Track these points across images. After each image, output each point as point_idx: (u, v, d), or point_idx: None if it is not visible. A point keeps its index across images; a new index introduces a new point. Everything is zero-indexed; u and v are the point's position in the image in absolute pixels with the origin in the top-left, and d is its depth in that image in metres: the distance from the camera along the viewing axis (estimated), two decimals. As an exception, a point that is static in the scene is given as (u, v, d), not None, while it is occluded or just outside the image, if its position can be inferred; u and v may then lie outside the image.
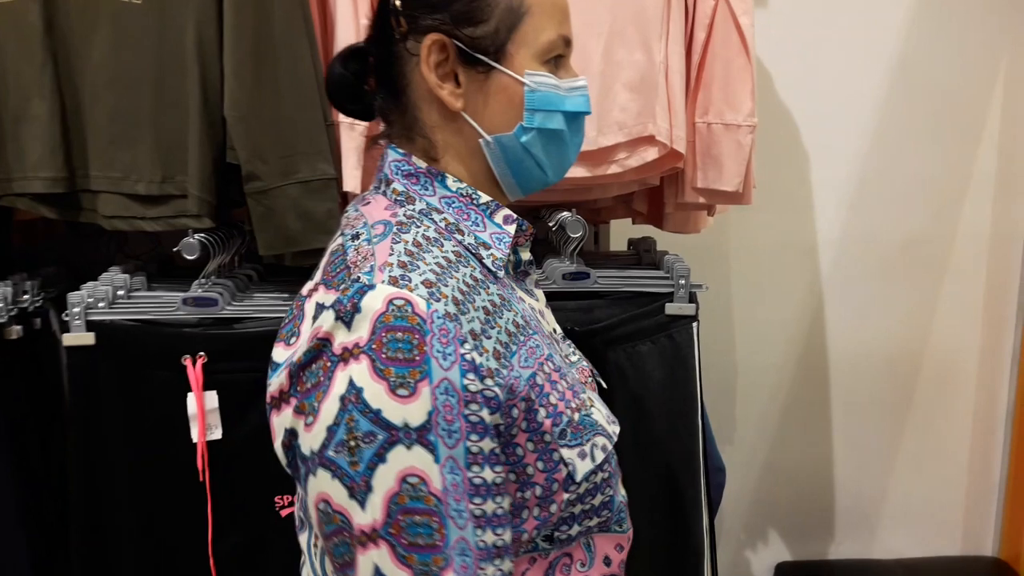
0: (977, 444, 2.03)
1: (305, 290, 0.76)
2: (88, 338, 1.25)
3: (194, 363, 1.25)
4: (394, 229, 0.75)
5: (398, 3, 0.78)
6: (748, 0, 1.25)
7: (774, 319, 1.94)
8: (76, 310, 1.26)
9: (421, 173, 0.80)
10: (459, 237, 0.79)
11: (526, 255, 0.87)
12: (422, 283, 0.69)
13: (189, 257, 1.27)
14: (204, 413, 1.25)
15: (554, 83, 0.79)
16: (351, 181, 1.26)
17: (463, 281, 0.73)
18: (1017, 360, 1.96)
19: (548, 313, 0.92)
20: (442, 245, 0.76)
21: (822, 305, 1.95)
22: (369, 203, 0.81)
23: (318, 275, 0.77)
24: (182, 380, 1.25)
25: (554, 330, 0.91)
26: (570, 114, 0.81)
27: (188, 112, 1.23)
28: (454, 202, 0.80)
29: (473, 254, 0.78)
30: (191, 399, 1.25)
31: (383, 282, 0.69)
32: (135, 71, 1.25)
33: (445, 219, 0.79)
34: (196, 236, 1.28)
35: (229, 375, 1.27)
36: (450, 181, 0.80)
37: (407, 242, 0.74)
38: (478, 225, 0.79)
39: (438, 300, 0.69)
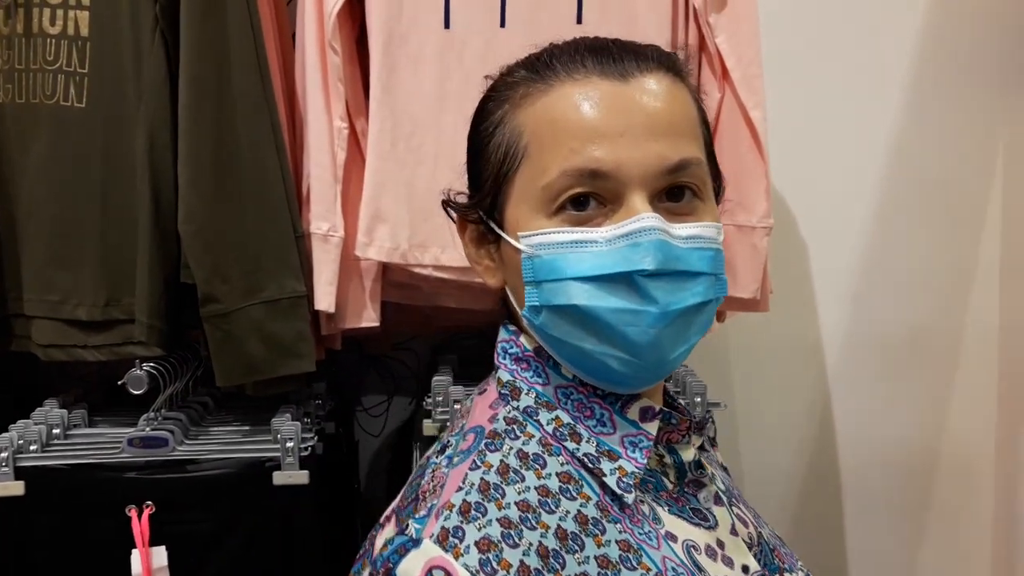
0: (999, 546, 1.89)
1: (384, 515, 0.65)
2: (17, 487, 1.09)
3: (139, 514, 1.08)
4: (482, 444, 0.60)
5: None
6: (759, 92, 1.14)
7: (781, 424, 1.81)
8: (3, 455, 1.09)
9: (530, 357, 0.65)
10: (573, 447, 0.61)
11: (689, 454, 0.65)
12: (476, 545, 0.53)
13: (136, 392, 1.11)
14: (151, 573, 1.07)
15: (568, 239, 0.59)
16: (324, 299, 1.12)
17: (554, 532, 0.55)
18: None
19: (734, 521, 0.68)
20: (542, 467, 0.58)
21: (830, 406, 1.83)
22: (485, 392, 0.68)
23: (399, 496, 0.64)
24: (126, 534, 1.08)
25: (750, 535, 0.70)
26: (602, 280, 0.58)
27: (137, 227, 1.09)
28: (572, 394, 0.63)
29: (591, 470, 0.60)
30: (135, 557, 1.08)
31: (431, 537, 0.54)
32: (77, 182, 1.11)
33: (557, 420, 0.62)
34: (144, 367, 1.11)
35: (180, 527, 1.10)
36: (564, 368, 0.63)
37: (489, 467, 0.58)
38: (604, 425, 0.62)
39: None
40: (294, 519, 1.13)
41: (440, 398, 1.19)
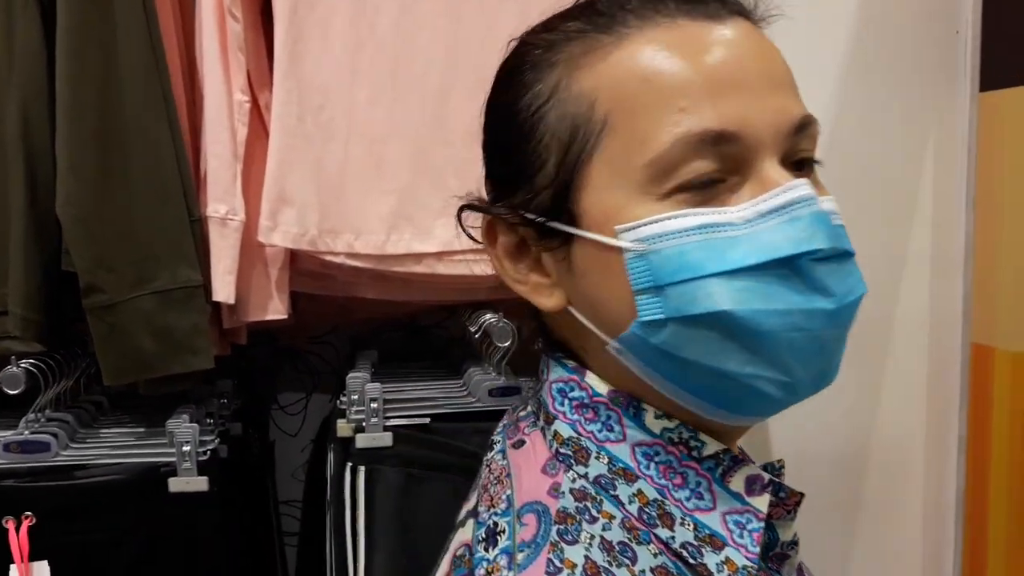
0: (929, 538, 1.90)
1: None
2: None
3: (18, 527, 0.97)
4: (553, 533, 0.45)
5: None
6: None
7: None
8: None
9: (600, 404, 0.49)
10: (664, 533, 0.47)
11: (789, 533, 0.55)
12: None
13: (12, 392, 1.00)
14: (31, 592, 0.97)
15: (697, 223, 0.44)
16: (223, 289, 1.02)
17: None
18: (964, 445, 1.85)
19: None
20: (632, 562, 0.44)
21: (763, 398, 1.80)
22: (524, 446, 0.52)
23: None
24: (3, 548, 0.97)
25: None
26: (758, 271, 0.44)
27: (10, 211, 0.97)
28: (658, 455, 0.48)
29: (692, 565, 0.46)
30: (13, 574, 0.97)
31: None
32: (-58, 161, 0.99)
33: (640, 496, 0.47)
34: (21, 364, 1.00)
35: (66, 539, 1.00)
36: (650, 417, 0.48)
37: (573, 568, 0.43)
38: (701, 498, 0.48)
39: None
40: (194, 528, 1.04)
41: (355, 396, 1.11)
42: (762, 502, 0.49)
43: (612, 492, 0.48)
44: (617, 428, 0.49)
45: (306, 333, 1.46)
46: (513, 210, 0.50)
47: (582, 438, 0.49)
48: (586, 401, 0.50)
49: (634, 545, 0.45)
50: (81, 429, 1.10)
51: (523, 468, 0.50)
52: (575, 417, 0.50)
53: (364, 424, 1.09)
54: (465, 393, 1.16)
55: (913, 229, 1.80)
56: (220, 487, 1.05)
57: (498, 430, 0.56)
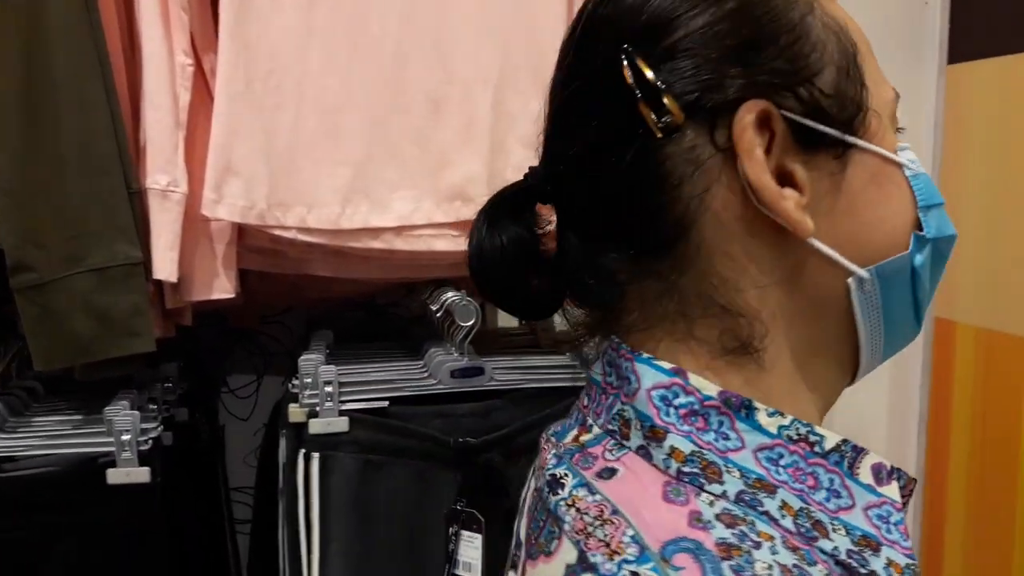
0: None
1: None
2: None
3: (-60, 525, 0.90)
4: (726, 573, 0.38)
5: (648, 72, 0.41)
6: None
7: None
8: None
9: (712, 408, 0.43)
10: (826, 545, 0.42)
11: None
12: None
13: (-68, 378, 0.92)
14: (-43, 594, 0.90)
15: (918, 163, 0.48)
16: (164, 267, 0.95)
17: None
18: (924, 420, 1.85)
19: None
20: None
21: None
22: (619, 474, 0.43)
23: None
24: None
25: None
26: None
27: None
28: (782, 457, 0.43)
29: (861, 575, 0.42)
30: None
31: None
32: None
33: (786, 506, 0.42)
34: (-56, 348, 0.93)
35: (-4, 536, 0.93)
36: (763, 416, 0.43)
37: None
38: (839, 496, 0.43)
39: None
40: (135, 522, 0.97)
41: (308, 379, 1.05)
42: (893, 491, 0.45)
43: (760, 509, 0.41)
44: (733, 435, 0.43)
45: (258, 313, 1.39)
46: (808, 106, 0.43)
47: (706, 451, 0.42)
48: (696, 407, 0.43)
49: (805, 566, 0.40)
50: (11, 418, 1.02)
51: (635, 500, 0.41)
52: (686, 428, 0.43)
53: (318, 409, 1.03)
54: (426, 375, 1.10)
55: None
56: (164, 478, 0.99)
57: (550, 463, 0.46)
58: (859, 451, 0.44)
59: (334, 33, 0.98)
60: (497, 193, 0.50)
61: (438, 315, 1.10)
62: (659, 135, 0.41)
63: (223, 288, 1.02)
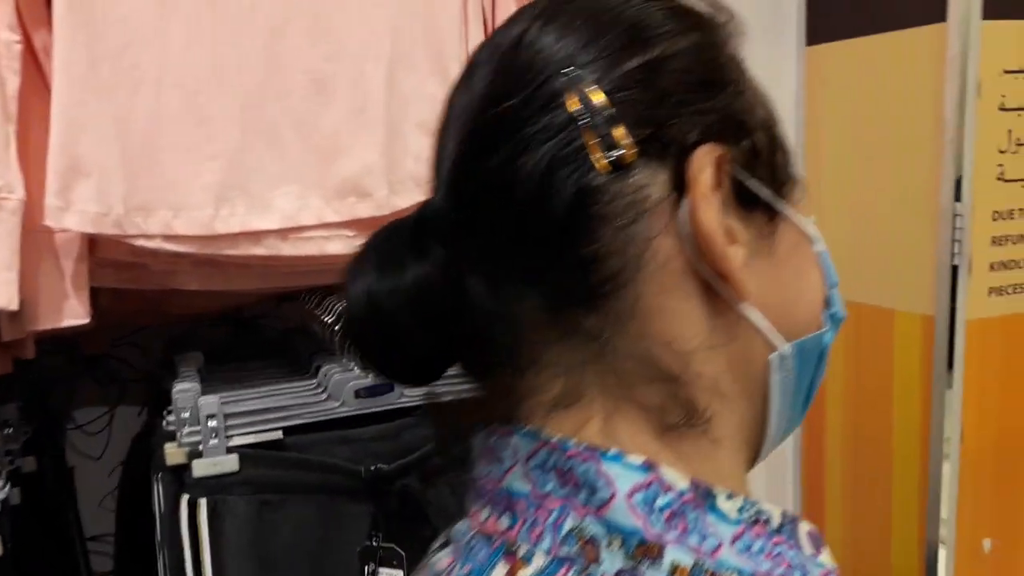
0: (775, 488, 1.95)
1: None
2: None
3: None
4: None
5: (598, 99, 0.35)
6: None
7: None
8: None
9: (688, 504, 0.36)
10: None
11: None
12: None
13: None
14: None
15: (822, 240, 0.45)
16: (3, 292, 0.77)
17: None
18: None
19: None
20: None
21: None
22: None
23: None
24: None
25: None
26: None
27: None
28: (752, 544, 0.37)
29: None
30: None
31: None
32: None
33: None
34: None
35: None
36: (721, 500, 0.37)
37: None
38: (809, 574, 0.38)
39: None
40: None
41: (186, 414, 0.90)
42: (829, 557, 0.40)
43: None
44: (710, 531, 0.36)
45: (108, 335, 1.21)
46: (745, 160, 0.39)
47: (704, 560, 0.35)
48: (675, 507, 0.36)
49: None
50: None
51: None
52: (675, 534, 0.35)
53: (201, 448, 0.89)
54: (324, 397, 0.97)
55: (749, 185, 1.81)
56: (15, 542, 0.82)
57: None
58: (794, 521, 0.40)
59: (196, 2, 0.83)
60: (384, 227, 0.41)
61: (335, 327, 0.97)
62: (606, 171, 0.35)
63: (74, 313, 0.85)
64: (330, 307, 1.02)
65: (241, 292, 1.06)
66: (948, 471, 1.50)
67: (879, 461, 1.69)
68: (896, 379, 1.62)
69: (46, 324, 0.84)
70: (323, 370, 1.02)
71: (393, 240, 0.40)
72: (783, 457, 1.93)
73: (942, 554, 1.52)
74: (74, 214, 0.80)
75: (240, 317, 1.33)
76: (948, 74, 1.42)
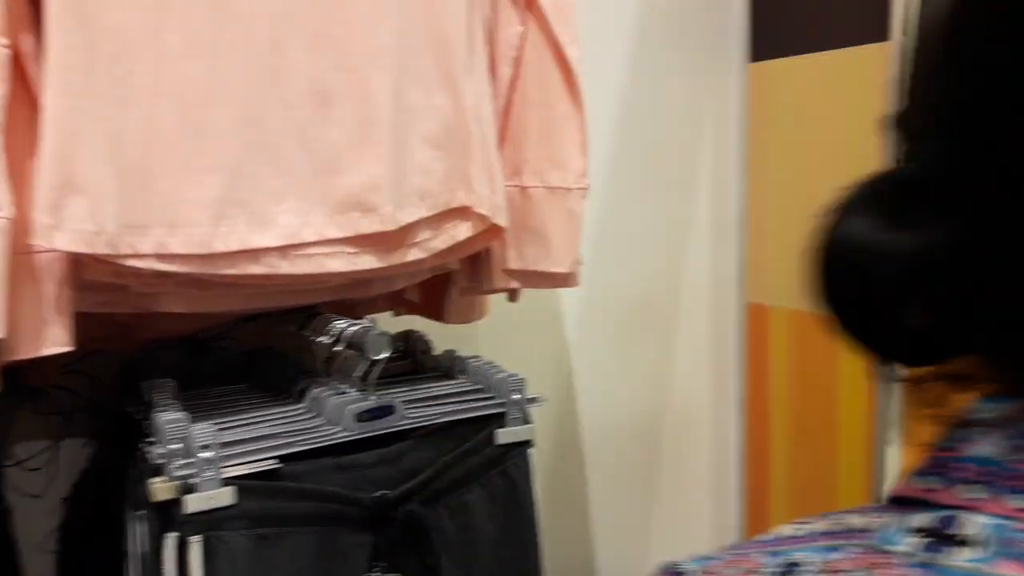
0: (719, 504, 1.99)
1: None
2: None
3: None
4: None
5: None
6: (574, 25, 0.94)
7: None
8: None
9: None
10: None
11: None
12: None
13: None
14: None
15: None
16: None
17: None
18: (743, 405, 1.95)
19: None
20: None
21: (571, 374, 1.75)
22: None
23: None
24: None
25: None
26: None
27: None
28: None
29: None
30: None
31: None
32: None
33: None
34: None
35: None
36: None
37: None
38: None
39: None
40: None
41: (177, 445, 0.84)
42: None
43: None
44: None
45: (58, 363, 1.11)
46: None
47: None
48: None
49: None
50: None
51: None
52: None
53: (195, 481, 0.83)
54: (321, 422, 0.93)
55: (695, 195, 1.85)
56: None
57: None
58: None
59: (196, 7, 0.77)
60: (866, 183, 0.34)
61: (336, 348, 0.92)
62: None
63: (57, 340, 0.77)
64: (320, 328, 0.97)
65: (220, 314, 1.00)
66: (892, 459, 1.57)
67: (824, 457, 1.75)
68: (840, 382, 1.68)
69: (26, 353, 0.76)
70: (311, 394, 0.97)
71: (878, 197, 0.34)
72: (725, 457, 1.97)
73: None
74: (66, 232, 0.73)
75: (195, 340, 1.25)
76: (891, 93, 1.49)
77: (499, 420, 0.97)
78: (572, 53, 0.94)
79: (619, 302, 1.78)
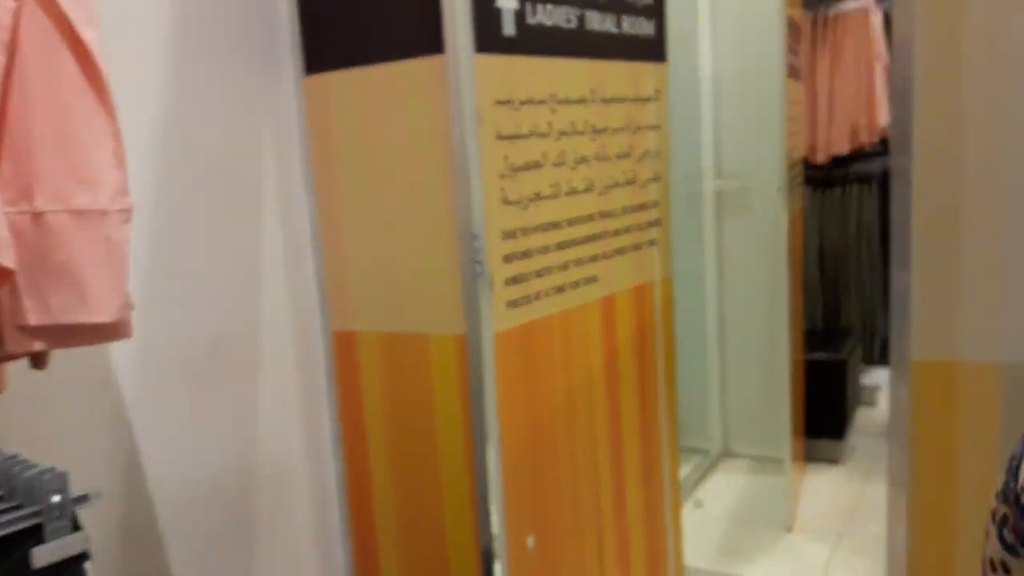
0: (325, 551, 1.84)
1: None
2: None
3: None
4: None
5: None
6: (91, 4, 0.71)
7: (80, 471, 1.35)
8: None
9: None
10: None
11: None
12: None
13: None
14: None
15: None
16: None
17: None
18: (340, 443, 1.83)
19: None
20: None
21: (134, 443, 1.46)
22: None
23: None
24: None
25: None
26: None
27: None
28: None
29: None
30: None
31: None
32: None
33: None
34: None
35: None
36: None
37: None
38: None
39: None
40: None
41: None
42: None
43: None
44: None
45: None
46: None
47: None
48: None
49: None
50: None
51: None
52: None
53: None
54: None
55: (264, 224, 1.67)
56: None
57: None
58: None
59: None
60: None
61: None
62: None
63: None
64: None
65: None
66: (493, 473, 1.57)
67: (428, 480, 1.70)
68: (437, 398, 1.64)
69: None
70: None
71: None
72: (326, 500, 1.83)
73: (497, 559, 1.59)
74: None
75: None
76: (451, 105, 1.48)
77: (35, 535, 0.70)
78: (89, 35, 0.72)
79: (186, 347, 1.54)
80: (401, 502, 1.77)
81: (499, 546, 1.58)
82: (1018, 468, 0.54)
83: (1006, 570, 0.53)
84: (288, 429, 1.76)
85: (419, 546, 1.75)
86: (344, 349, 1.78)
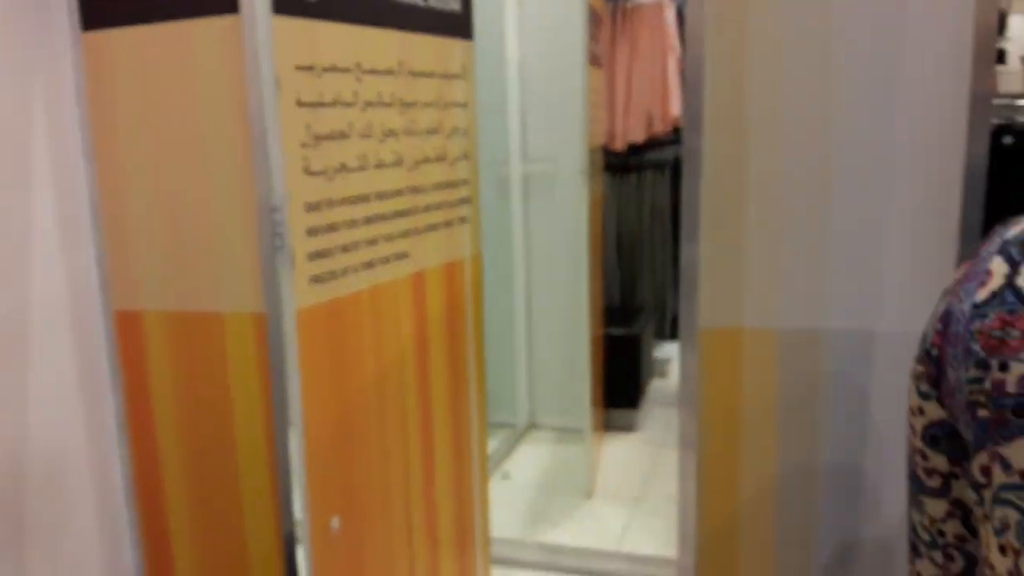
0: (111, 548, 1.70)
1: None
2: None
3: None
4: None
5: None
6: None
7: None
8: None
9: None
10: None
11: None
12: None
13: None
14: None
15: None
16: None
17: None
18: (125, 430, 1.70)
19: None
20: None
21: None
22: None
23: None
24: None
25: None
26: None
27: None
28: None
29: None
30: None
31: None
32: None
33: None
34: None
35: None
36: None
37: None
38: None
39: None
40: None
41: None
42: None
43: None
44: None
45: None
46: None
47: None
48: None
49: None
50: None
51: None
52: None
53: None
54: None
55: (34, 193, 1.50)
56: None
57: None
58: None
59: None
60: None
61: None
62: None
63: None
64: None
65: None
66: (296, 459, 1.51)
67: (225, 469, 1.61)
68: (233, 382, 1.56)
69: None
70: None
71: None
72: (111, 493, 1.69)
73: (300, 544, 1.54)
74: None
75: None
76: (248, 69, 1.40)
77: None
78: None
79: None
80: (196, 496, 1.66)
81: (302, 531, 1.53)
82: (927, 335, 0.66)
83: (921, 412, 0.67)
84: (65, 419, 1.61)
85: (216, 540, 1.66)
86: (128, 330, 1.64)
